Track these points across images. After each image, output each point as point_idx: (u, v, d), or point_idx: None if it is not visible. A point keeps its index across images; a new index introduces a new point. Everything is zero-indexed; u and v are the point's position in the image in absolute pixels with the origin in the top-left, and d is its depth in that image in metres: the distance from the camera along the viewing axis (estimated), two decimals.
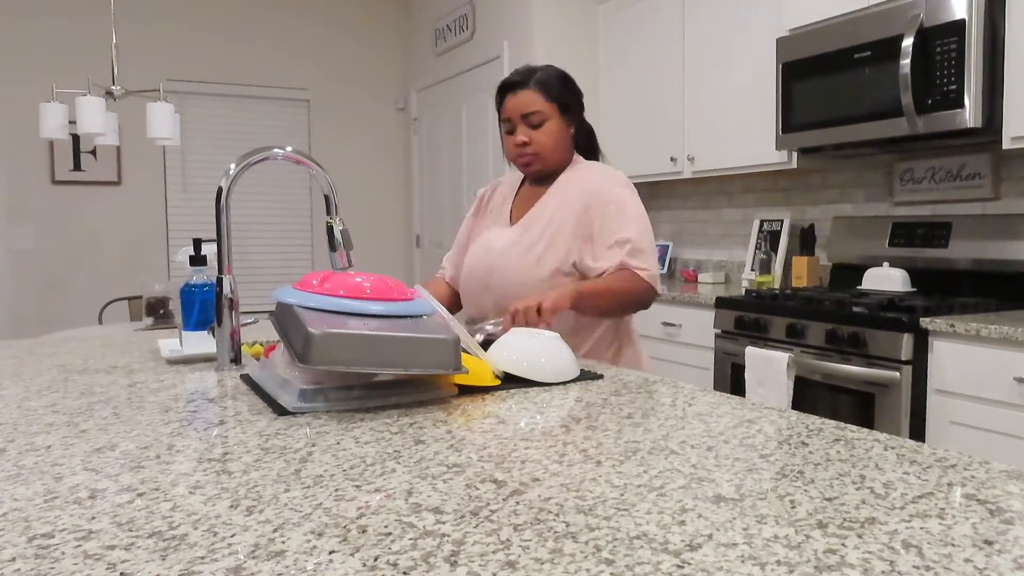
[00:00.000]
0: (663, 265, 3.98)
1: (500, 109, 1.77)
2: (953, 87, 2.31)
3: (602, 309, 1.67)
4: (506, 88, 1.75)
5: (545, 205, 1.74)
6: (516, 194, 1.87)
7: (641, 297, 1.68)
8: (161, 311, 2.99)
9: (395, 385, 1.08)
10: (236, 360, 1.34)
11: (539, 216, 1.74)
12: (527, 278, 1.69)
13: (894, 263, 2.82)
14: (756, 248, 3.47)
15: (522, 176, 1.87)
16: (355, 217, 5.21)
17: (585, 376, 1.25)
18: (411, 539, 0.60)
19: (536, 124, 1.71)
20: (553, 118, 1.72)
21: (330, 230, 1.44)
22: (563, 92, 1.73)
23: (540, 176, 1.79)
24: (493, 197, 1.93)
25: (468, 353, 1.22)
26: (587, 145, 1.86)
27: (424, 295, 1.23)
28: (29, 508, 0.67)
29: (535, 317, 1.46)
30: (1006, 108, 2.28)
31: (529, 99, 1.71)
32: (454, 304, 1.91)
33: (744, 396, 2.59)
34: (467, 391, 1.13)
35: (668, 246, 4.01)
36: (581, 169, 1.77)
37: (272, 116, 5.14)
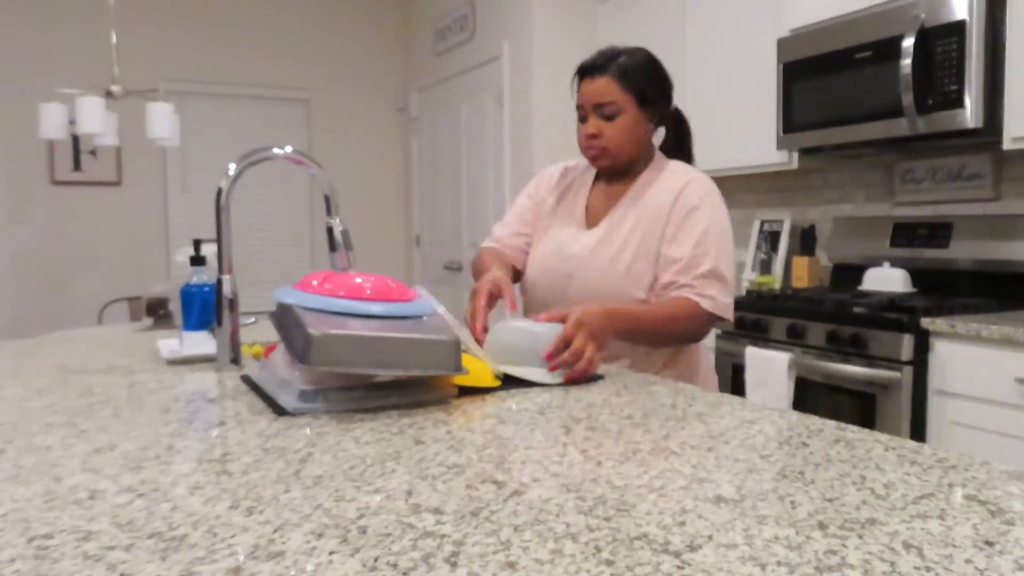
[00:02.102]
0: None
1: (576, 93, 1.61)
2: (954, 87, 2.30)
3: (652, 340, 1.50)
4: (583, 72, 1.59)
5: (627, 208, 1.59)
6: (591, 191, 1.69)
7: (697, 331, 1.51)
8: (161, 311, 2.99)
9: (395, 386, 1.07)
10: (236, 360, 1.34)
11: (621, 221, 1.59)
12: (617, 291, 1.53)
13: (895, 263, 2.82)
14: (756, 248, 3.47)
15: (589, 168, 1.71)
16: (355, 217, 5.21)
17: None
18: (411, 540, 0.60)
19: (609, 116, 1.55)
20: (629, 111, 1.55)
21: (330, 230, 1.44)
22: (645, 82, 1.56)
23: (609, 172, 1.64)
24: (560, 187, 1.73)
25: (468, 353, 1.22)
26: (676, 142, 1.71)
27: (425, 295, 1.22)
28: (29, 508, 0.67)
29: (582, 365, 1.24)
30: (1007, 108, 2.28)
31: (605, 87, 1.54)
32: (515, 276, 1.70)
33: (744, 397, 2.59)
34: (467, 391, 1.13)
35: None
36: (665, 171, 1.62)
37: (272, 116, 5.14)
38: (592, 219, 1.64)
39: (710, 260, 1.49)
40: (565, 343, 1.24)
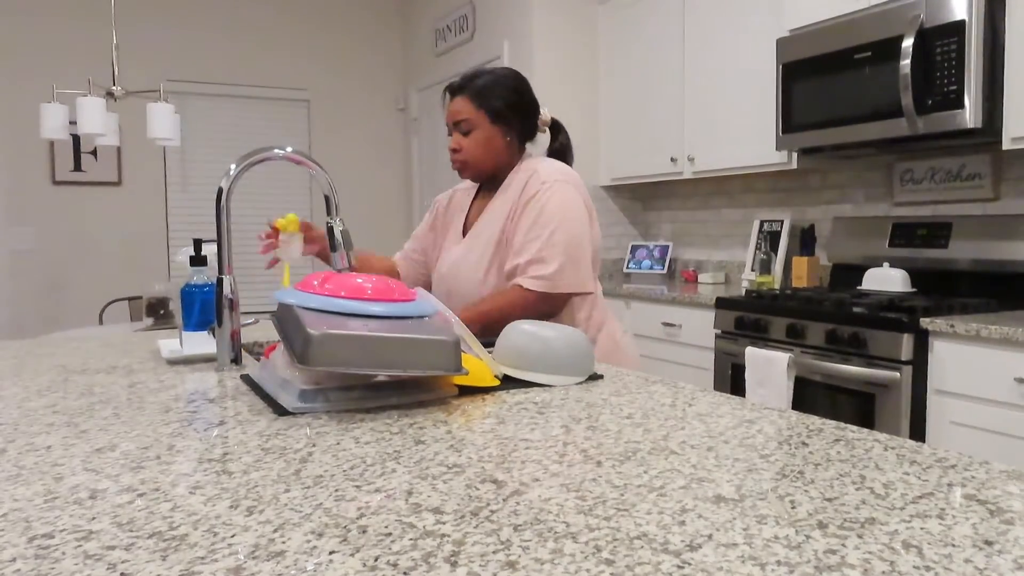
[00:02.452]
0: (663, 266, 3.98)
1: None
2: (953, 87, 2.31)
3: (487, 330, 1.58)
4: (448, 92, 1.77)
5: (490, 214, 1.74)
6: (471, 204, 1.86)
7: (527, 309, 1.60)
8: (161, 311, 2.99)
9: (395, 386, 1.08)
10: (236, 360, 1.34)
11: (484, 227, 1.73)
12: (479, 294, 1.69)
13: (894, 263, 2.82)
14: (756, 248, 3.47)
15: (475, 186, 1.87)
16: (355, 217, 5.21)
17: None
18: (411, 539, 0.60)
19: (465, 132, 1.72)
20: (481, 126, 1.71)
21: (330, 230, 1.44)
22: (497, 100, 1.71)
23: (480, 182, 1.80)
24: (449, 208, 1.92)
25: (469, 353, 1.22)
26: (559, 149, 1.83)
27: (425, 295, 1.22)
28: (29, 508, 0.67)
29: None
30: (1006, 108, 2.28)
31: (459, 106, 1.72)
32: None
33: (744, 396, 2.59)
34: (467, 391, 1.13)
35: (668, 246, 4.01)
36: (522, 169, 1.74)
37: (272, 116, 5.14)
38: (466, 230, 1.81)
39: (538, 244, 1.61)
40: None
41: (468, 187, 1.90)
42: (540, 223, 1.63)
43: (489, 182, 1.80)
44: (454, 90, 1.74)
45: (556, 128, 1.85)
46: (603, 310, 1.78)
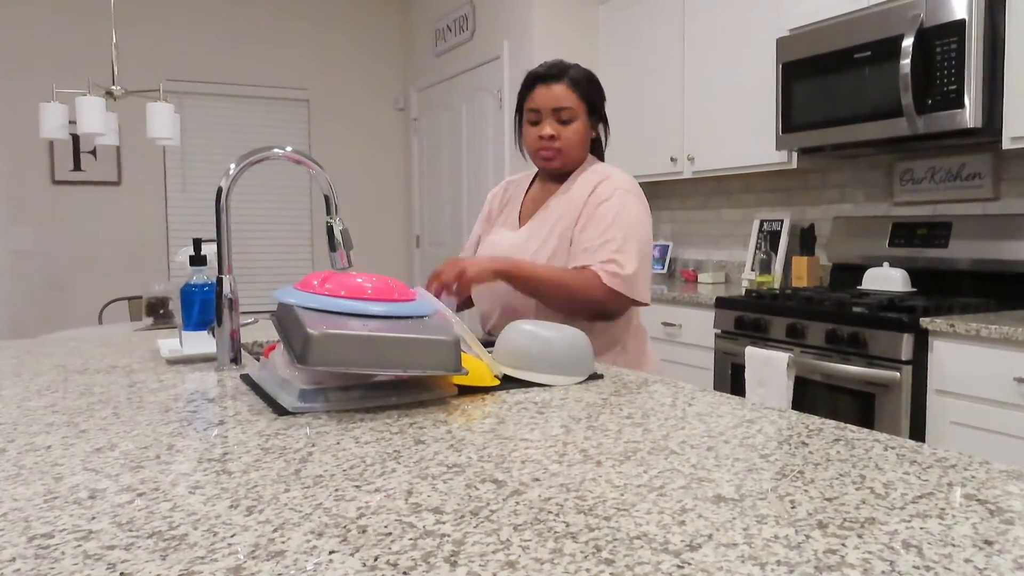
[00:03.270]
0: (663, 265, 3.98)
1: (526, 99, 1.73)
2: (953, 87, 2.31)
3: (541, 295, 1.60)
4: (537, 79, 1.71)
5: (554, 206, 1.72)
6: (526, 194, 1.84)
7: (596, 299, 1.59)
8: (161, 311, 2.99)
9: (395, 385, 1.08)
10: (236, 360, 1.34)
11: (546, 218, 1.71)
12: None
13: (894, 263, 2.82)
14: (756, 248, 3.47)
15: (532, 176, 1.86)
16: (355, 217, 5.22)
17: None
18: (411, 539, 0.60)
19: (566, 120, 1.69)
20: (581, 117, 1.70)
21: (330, 230, 1.44)
22: (593, 93, 1.72)
23: (557, 173, 1.76)
24: (503, 199, 1.89)
25: (469, 353, 1.22)
26: (593, 147, 1.84)
27: (426, 295, 1.22)
28: (29, 508, 0.67)
29: (452, 286, 1.52)
30: (1006, 108, 2.28)
31: (563, 94, 1.68)
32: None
33: (744, 396, 2.59)
34: (467, 391, 1.13)
35: (668, 246, 4.01)
36: (590, 170, 1.74)
37: (272, 116, 5.14)
38: (524, 220, 1.78)
39: (614, 245, 1.60)
40: (435, 275, 1.51)
41: (523, 178, 1.88)
42: (617, 225, 1.62)
43: (553, 177, 1.78)
44: (551, 76, 1.70)
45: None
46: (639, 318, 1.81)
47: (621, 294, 1.59)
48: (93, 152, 4.66)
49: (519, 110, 1.76)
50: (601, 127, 1.78)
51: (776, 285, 3.23)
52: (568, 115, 1.69)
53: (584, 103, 1.70)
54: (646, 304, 1.67)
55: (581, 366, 1.23)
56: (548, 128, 1.69)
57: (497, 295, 1.70)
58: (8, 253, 4.54)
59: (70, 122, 3.31)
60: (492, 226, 1.87)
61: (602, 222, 1.63)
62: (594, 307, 1.62)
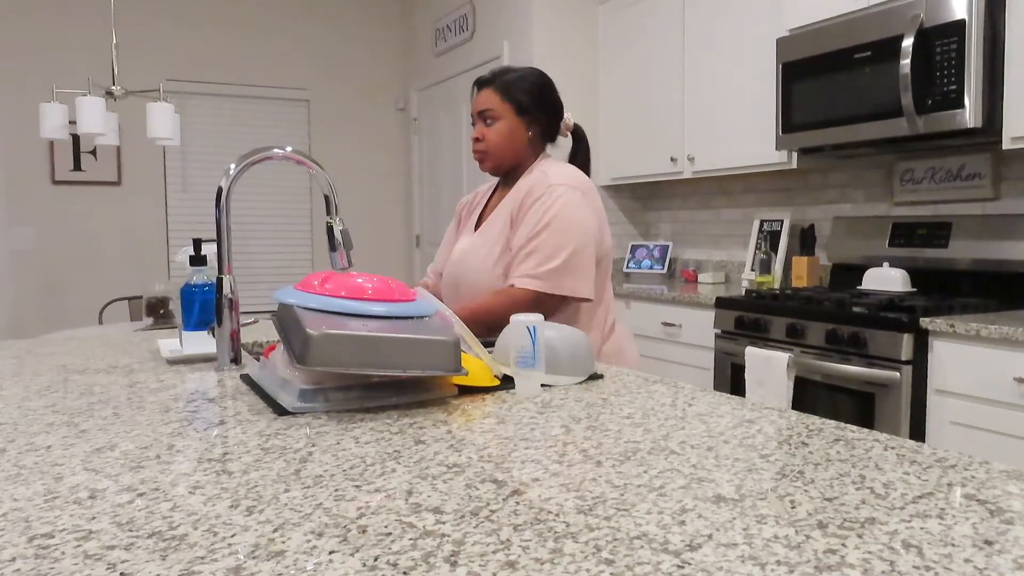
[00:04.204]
0: (663, 265, 3.98)
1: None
2: (953, 87, 2.31)
3: (483, 326, 1.58)
4: (476, 85, 1.80)
5: (502, 208, 1.76)
6: (487, 201, 1.89)
7: (509, 312, 1.56)
8: (161, 311, 2.99)
9: (395, 385, 1.08)
10: (236, 360, 1.34)
11: (493, 222, 1.76)
12: (487, 285, 1.69)
13: (894, 263, 2.82)
14: (756, 248, 3.47)
15: (495, 183, 1.91)
16: (355, 217, 5.22)
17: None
18: (411, 539, 0.60)
19: (489, 122, 1.75)
20: (506, 117, 1.74)
21: (330, 230, 1.44)
22: (524, 95, 1.74)
23: (496, 174, 1.82)
24: (470, 206, 1.95)
25: (469, 353, 1.22)
26: (574, 154, 1.86)
27: (426, 296, 1.22)
28: (29, 508, 0.67)
29: None
30: (1006, 108, 2.28)
31: (486, 97, 1.75)
32: None
33: (744, 396, 2.59)
34: (467, 391, 1.13)
35: (668, 246, 4.01)
36: (535, 169, 1.76)
37: (272, 116, 5.14)
38: (480, 222, 1.83)
39: (535, 243, 1.62)
40: None
41: (488, 186, 1.94)
42: (541, 225, 1.64)
43: (507, 178, 1.82)
44: (483, 83, 1.78)
45: (578, 135, 1.87)
46: (614, 315, 1.81)
47: (542, 292, 1.61)
48: (93, 152, 4.65)
49: None
50: (542, 122, 1.78)
51: (776, 285, 3.23)
52: (491, 116, 1.74)
53: (510, 104, 1.74)
54: (585, 299, 1.65)
55: (581, 366, 1.23)
56: (475, 131, 1.77)
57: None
58: (8, 253, 4.54)
59: (70, 122, 3.31)
60: (460, 235, 1.92)
61: (529, 222, 1.65)
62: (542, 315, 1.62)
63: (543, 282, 1.61)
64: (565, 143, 1.88)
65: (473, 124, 1.79)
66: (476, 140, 1.77)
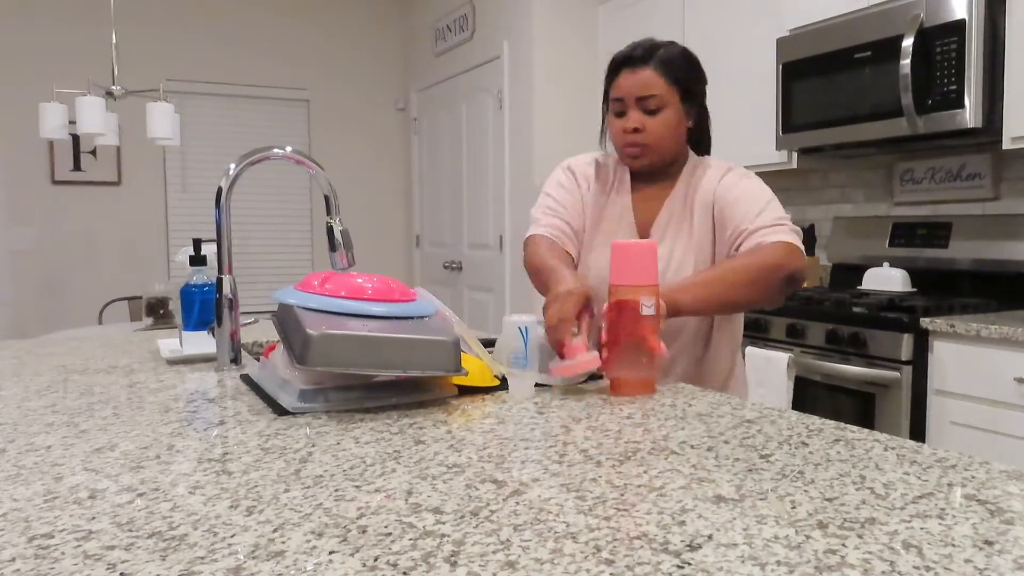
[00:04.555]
0: None
1: (611, 86, 1.49)
2: (953, 87, 2.31)
3: (729, 304, 1.33)
4: (622, 63, 1.47)
5: (678, 215, 1.49)
6: (632, 193, 1.56)
7: (784, 267, 1.31)
8: (161, 311, 2.99)
9: (395, 386, 1.08)
10: (236, 360, 1.34)
11: (671, 229, 1.49)
12: None
13: (894, 263, 2.82)
14: None
15: (615, 168, 1.58)
16: (355, 217, 5.22)
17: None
18: (411, 539, 0.60)
19: (653, 110, 1.45)
20: (672, 105, 1.45)
21: (330, 230, 1.44)
22: (688, 75, 1.48)
23: (650, 170, 1.51)
24: (602, 184, 1.58)
25: (469, 353, 1.22)
26: (699, 137, 1.57)
27: (426, 296, 1.22)
28: (29, 508, 0.67)
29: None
30: (1006, 108, 2.28)
31: (649, 79, 1.44)
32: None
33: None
34: (467, 391, 1.13)
35: None
36: (702, 167, 1.52)
37: (272, 116, 5.14)
38: (641, 225, 1.52)
39: (771, 210, 1.39)
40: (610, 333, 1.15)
41: (615, 164, 1.58)
42: (758, 193, 1.42)
43: (651, 177, 1.54)
44: (635, 60, 1.45)
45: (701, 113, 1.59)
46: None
47: (799, 249, 1.36)
48: (93, 152, 4.65)
49: (605, 99, 1.52)
50: (698, 113, 1.53)
51: None
52: (656, 103, 1.44)
53: (676, 87, 1.45)
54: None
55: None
56: (632, 120, 1.45)
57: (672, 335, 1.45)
58: (8, 253, 4.54)
59: (70, 122, 3.31)
60: (592, 210, 1.56)
61: (750, 197, 1.41)
62: (784, 279, 1.34)
63: (799, 236, 1.37)
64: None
65: (619, 113, 1.47)
66: (635, 131, 1.45)
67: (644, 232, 1.52)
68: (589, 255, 1.54)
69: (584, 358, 1.12)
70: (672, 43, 1.49)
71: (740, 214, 1.40)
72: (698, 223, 1.47)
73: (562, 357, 1.15)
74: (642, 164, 1.49)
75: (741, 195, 1.43)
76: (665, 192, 1.52)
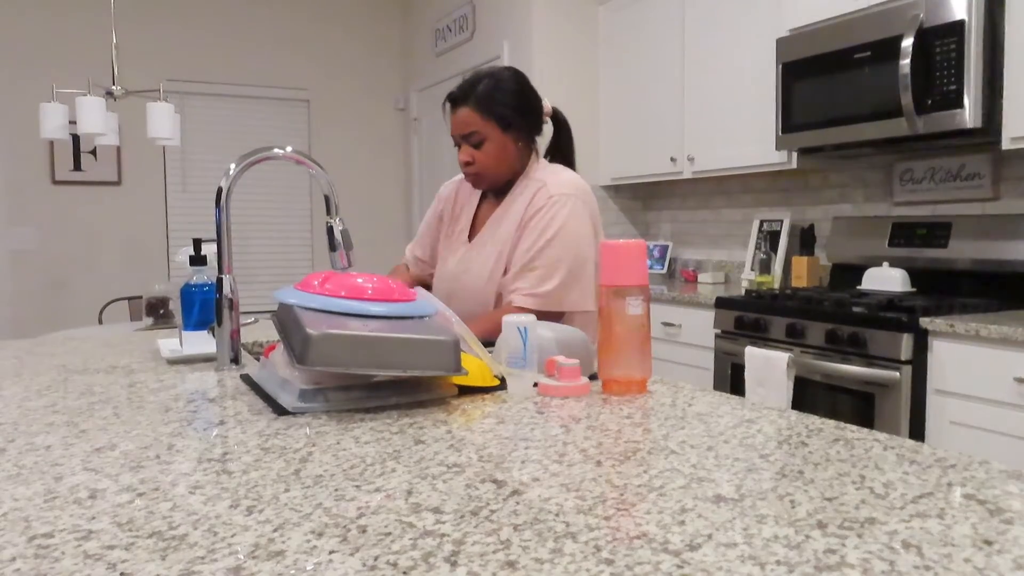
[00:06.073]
0: (663, 265, 3.98)
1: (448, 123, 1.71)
2: (953, 87, 2.31)
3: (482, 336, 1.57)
4: (449, 101, 1.69)
5: (496, 222, 1.70)
6: (478, 206, 1.80)
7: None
8: (161, 311, 2.99)
9: (395, 385, 1.08)
10: (236, 360, 1.34)
11: (492, 234, 1.69)
12: (487, 304, 1.65)
13: (894, 263, 2.82)
14: (756, 248, 3.47)
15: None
16: (355, 217, 5.21)
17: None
18: (411, 539, 0.60)
19: (476, 144, 1.64)
20: (492, 137, 1.64)
21: (330, 230, 1.44)
22: (504, 107, 1.64)
23: (493, 189, 1.73)
24: (456, 202, 1.85)
25: (469, 353, 1.22)
26: (556, 144, 1.77)
27: (426, 295, 1.22)
28: (29, 508, 0.67)
29: None
30: (1006, 108, 2.28)
31: (466, 118, 1.63)
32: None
33: (744, 396, 2.59)
34: (467, 391, 1.13)
35: (668, 246, 4.01)
36: (533, 179, 1.69)
37: (272, 116, 5.14)
38: (472, 234, 1.76)
39: (539, 259, 1.59)
40: None
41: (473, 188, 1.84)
42: (543, 240, 1.59)
43: (495, 190, 1.75)
44: (457, 99, 1.66)
45: (558, 121, 1.79)
46: None
47: (543, 311, 1.55)
48: (93, 152, 4.66)
49: None
50: (527, 126, 1.68)
51: (776, 285, 3.23)
52: (476, 138, 1.63)
53: (493, 121, 1.63)
54: (586, 311, 1.62)
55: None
56: (463, 154, 1.66)
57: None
58: (8, 253, 4.54)
59: (70, 122, 3.31)
60: (445, 231, 1.83)
61: (530, 235, 1.61)
62: None
63: (544, 300, 1.58)
64: (547, 129, 1.80)
65: (456, 146, 1.68)
66: (467, 163, 1.66)
67: (471, 239, 1.75)
68: (441, 262, 1.81)
69: (574, 384, 1.12)
70: (494, 74, 1.66)
71: (520, 251, 1.62)
72: (504, 236, 1.66)
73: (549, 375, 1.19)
74: (483, 187, 1.73)
75: (528, 232, 1.62)
76: (497, 205, 1.74)
